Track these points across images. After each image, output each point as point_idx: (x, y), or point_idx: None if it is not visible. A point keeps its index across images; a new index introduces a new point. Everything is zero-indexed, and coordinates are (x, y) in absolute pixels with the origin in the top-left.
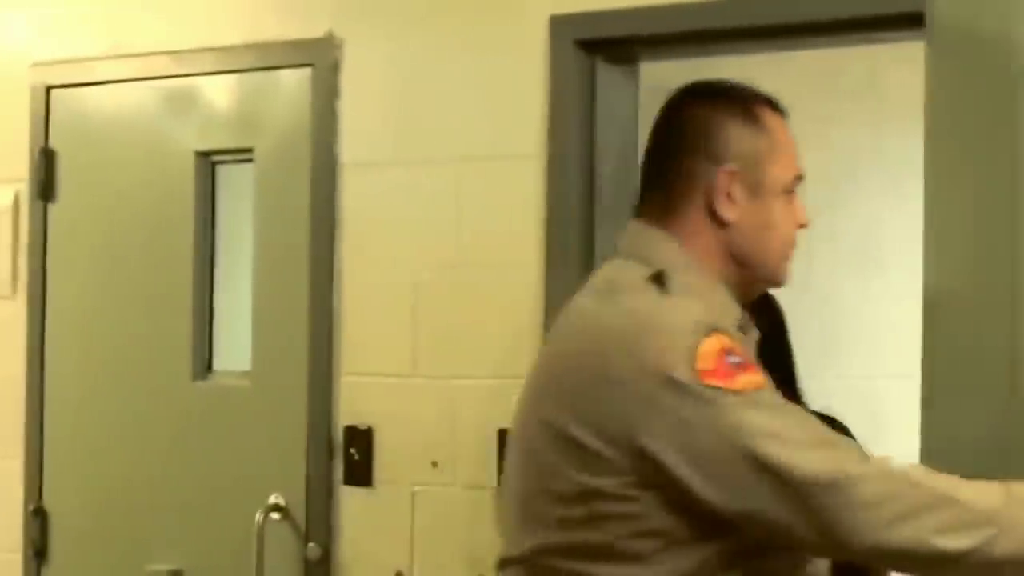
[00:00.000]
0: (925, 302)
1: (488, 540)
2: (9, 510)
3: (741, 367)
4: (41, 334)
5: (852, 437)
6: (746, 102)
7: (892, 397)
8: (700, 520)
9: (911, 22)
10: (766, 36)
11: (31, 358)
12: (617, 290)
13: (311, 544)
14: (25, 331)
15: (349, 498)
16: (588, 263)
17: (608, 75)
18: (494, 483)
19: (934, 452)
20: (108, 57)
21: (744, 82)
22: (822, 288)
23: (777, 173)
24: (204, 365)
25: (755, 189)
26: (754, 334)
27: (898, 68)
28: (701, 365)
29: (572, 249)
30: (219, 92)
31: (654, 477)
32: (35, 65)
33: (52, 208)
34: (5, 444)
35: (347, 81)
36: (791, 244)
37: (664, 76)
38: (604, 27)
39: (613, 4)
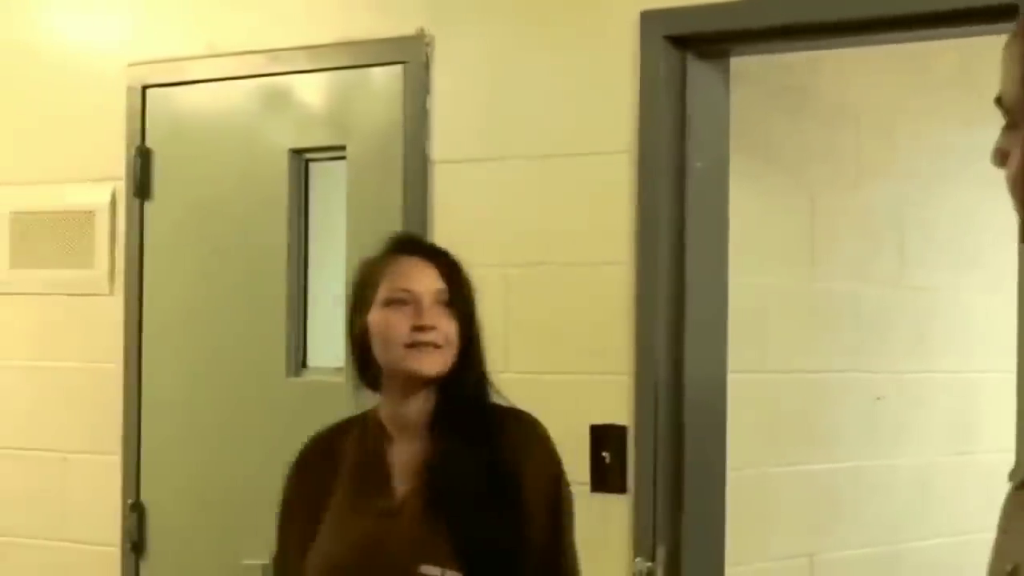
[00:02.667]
0: (1020, 295)
1: (580, 539)
2: (107, 505)
3: None
4: (139, 331)
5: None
6: None
7: (985, 392)
8: None
9: (1004, 14)
10: (858, 30)
11: (128, 355)
12: None
13: None
14: (123, 328)
15: None
16: (679, 259)
17: (699, 70)
18: (585, 479)
19: None
20: (203, 57)
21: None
22: (914, 282)
23: None
24: (299, 361)
25: None
26: None
27: (990, 60)
28: None
29: (662, 245)
30: (312, 90)
31: None
32: (131, 65)
33: (148, 206)
34: (103, 440)
35: (438, 78)
36: None
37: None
38: (694, 22)
39: None
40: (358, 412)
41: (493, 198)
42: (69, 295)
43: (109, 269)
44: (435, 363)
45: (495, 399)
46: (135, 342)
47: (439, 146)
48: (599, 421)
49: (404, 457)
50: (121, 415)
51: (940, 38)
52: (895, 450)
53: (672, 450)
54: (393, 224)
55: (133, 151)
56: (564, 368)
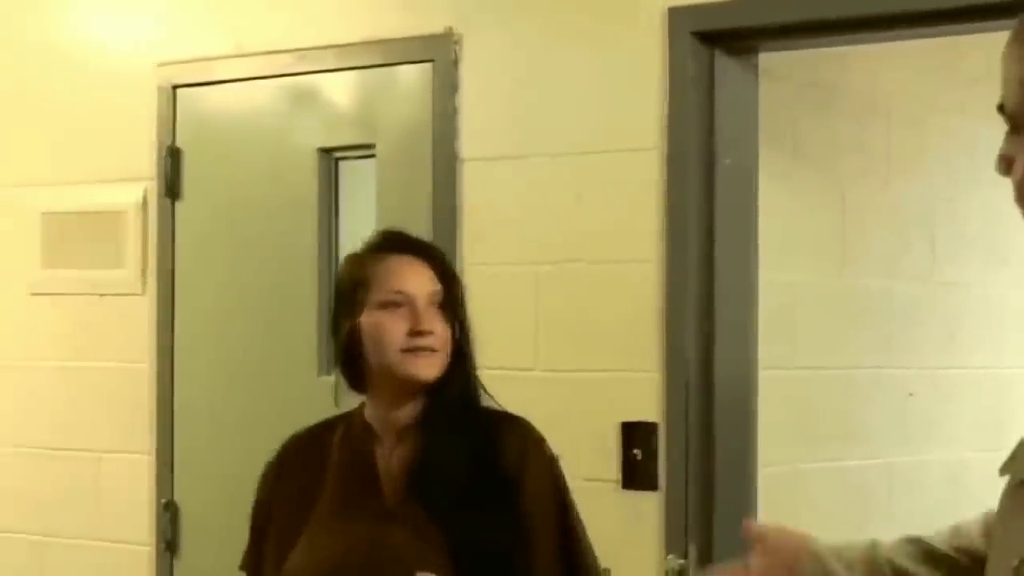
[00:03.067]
0: None
1: (610, 537)
2: (141, 504)
3: None
4: (170, 330)
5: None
6: None
7: (1016, 388)
8: None
9: None
10: (887, 25)
11: (161, 354)
12: None
13: None
14: (155, 327)
15: None
16: (708, 257)
17: (727, 66)
18: (615, 477)
19: None
20: (231, 56)
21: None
22: (945, 278)
23: None
24: (331, 360)
25: None
26: None
27: None
28: None
29: (692, 242)
30: (340, 89)
31: None
32: (161, 65)
33: (179, 206)
34: (136, 440)
35: (466, 76)
36: None
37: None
38: (722, 18)
39: None
40: (340, 412)
41: (522, 196)
42: (100, 295)
43: (140, 269)
44: (433, 367)
45: (485, 401)
46: (167, 341)
47: (468, 144)
48: (629, 419)
49: (393, 460)
50: (154, 415)
51: (969, 32)
52: (926, 446)
53: (702, 447)
54: (423, 222)
55: (163, 151)
56: (594, 366)
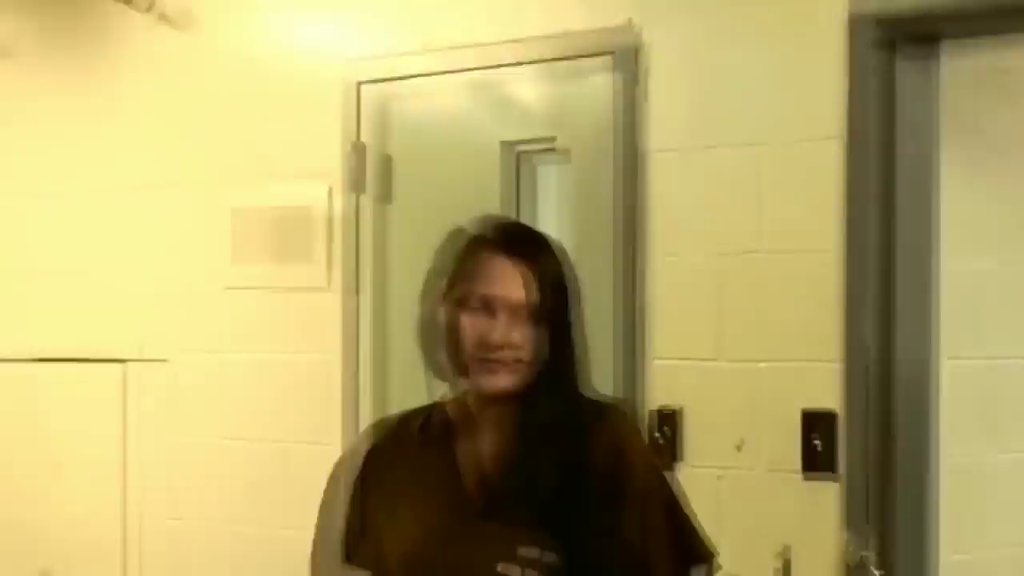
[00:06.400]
0: None
1: (791, 524)
2: None
3: None
4: (356, 324)
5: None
6: None
7: None
8: None
9: None
10: None
11: (346, 347)
12: None
13: None
14: (340, 321)
15: None
16: (888, 245)
17: (907, 56)
18: (798, 466)
19: None
20: (416, 52)
21: None
22: None
23: None
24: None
25: None
26: None
27: None
28: None
29: (872, 232)
30: (523, 83)
31: None
32: (346, 61)
33: (363, 200)
34: (323, 431)
35: (648, 67)
36: None
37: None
38: (904, 6)
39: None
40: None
41: (705, 187)
42: (288, 289)
43: (326, 263)
44: (502, 381)
45: (588, 393)
46: (353, 334)
47: (651, 135)
48: (810, 407)
49: (475, 458)
50: (340, 407)
51: None
52: None
53: (882, 435)
54: (607, 213)
55: (348, 147)
56: (775, 356)
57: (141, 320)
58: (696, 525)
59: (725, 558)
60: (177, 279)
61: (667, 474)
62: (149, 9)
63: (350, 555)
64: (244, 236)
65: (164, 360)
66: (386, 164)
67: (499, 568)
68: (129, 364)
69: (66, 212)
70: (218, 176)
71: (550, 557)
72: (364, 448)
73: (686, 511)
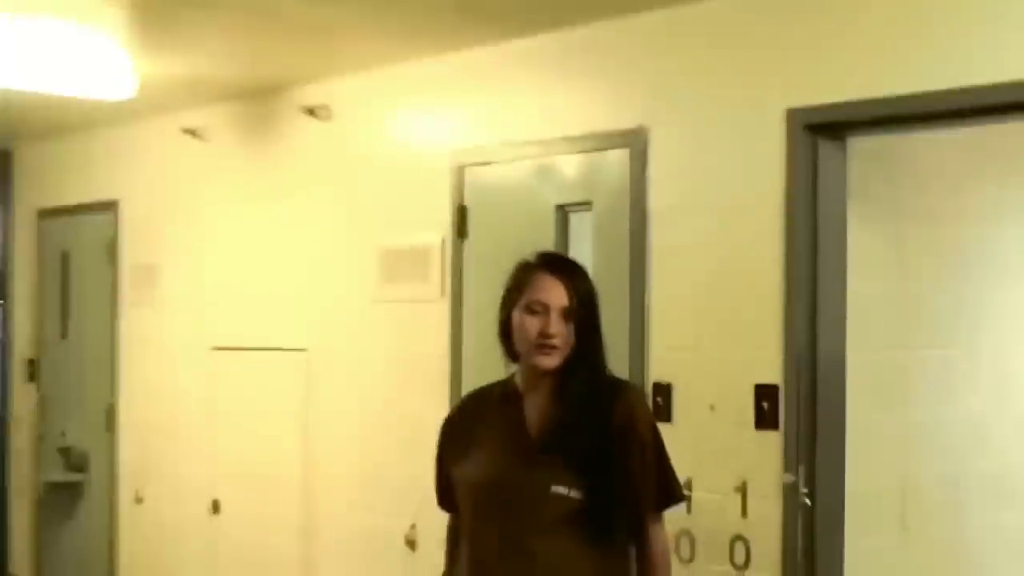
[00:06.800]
0: None
1: (747, 463)
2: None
3: None
4: (459, 326)
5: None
6: None
7: None
8: None
9: None
10: (943, 117)
11: (453, 343)
12: None
13: None
14: (448, 324)
15: None
16: (813, 273)
17: (826, 148)
18: (752, 423)
19: None
20: (498, 144)
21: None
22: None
23: None
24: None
25: None
26: None
27: None
28: None
29: (803, 263)
30: (569, 165)
31: None
32: (455, 151)
33: (465, 243)
34: (441, 404)
35: (653, 155)
36: None
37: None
38: (822, 115)
39: (831, 98)
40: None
41: (689, 233)
42: (413, 302)
43: (440, 285)
44: (552, 359)
45: (610, 374)
46: (457, 334)
47: (653, 199)
48: (760, 382)
49: (535, 413)
50: (448, 388)
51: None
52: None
53: (809, 402)
54: (624, 250)
55: (455, 208)
56: (737, 346)
57: (318, 322)
58: (674, 473)
59: (701, 486)
60: (341, 295)
61: (661, 425)
62: (327, 118)
63: (441, 501)
64: (385, 266)
65: (333, 349)
66: (479, 219)
67: (552, 488)
68: (310, 352)
69: (259, 254)
70: (369, 226)
71: (584, 482)
72: (448, 421)
73: (668, 458)
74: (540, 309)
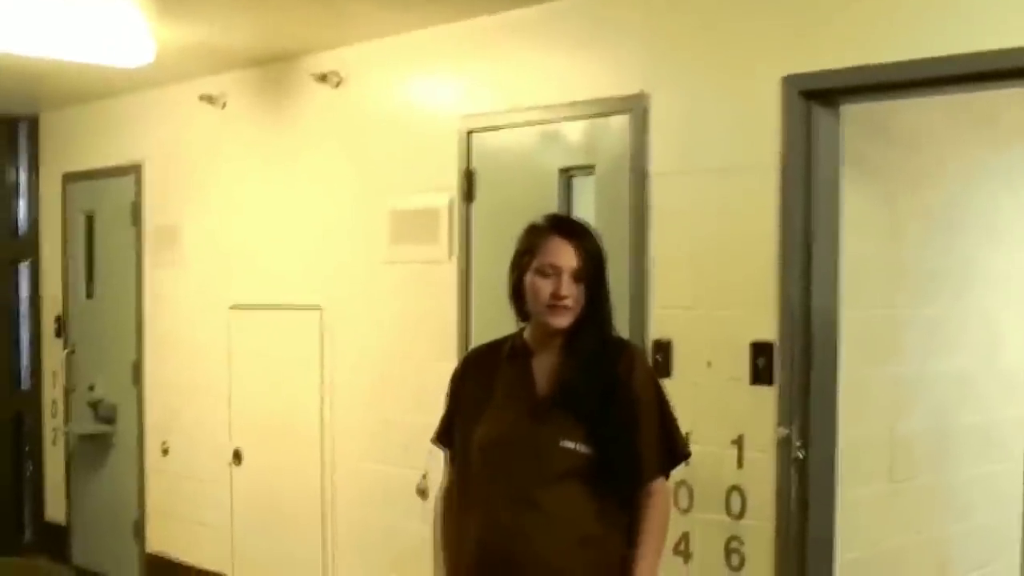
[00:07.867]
0: None
1: (743, 417)
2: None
3: None
4: (467, 286)
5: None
6: None
7: None
8: None
9: None
10: (935, 84)
11: (461, 302)
12: None
13: None
14: (456, 284)
15: None
16: (807, 234)
17: (820, 113)
18: (747, 378)
19: None
20: (505, 111)
21: None
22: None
23: None
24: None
25: None
26: None
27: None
28: None
29: (797, 225)
30: (572, 130)
31: None
32: (462, 116)
33: (472, 206)
34: (445, 354)
35: (653, 121)
36: None
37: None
38: (817, 81)
39: (825, 65)
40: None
41: (687, 195)
42: (423, 263)
43: (448, 247)
44: (565, 319)
45: (615, 334)
46: (464, 294)
47: (652, 162)
48: (756, 339)
49: (544, 370)
50: (456, 342)
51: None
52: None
53: (803, 359)
54: (624, 212)
55: (462, 171)
56: (734, 305)
57: (332, 281)
58: (678, 428)
59: (699, 440)
60: (354, 255)
61: (661, 381)
62: (338, 85)
63: (440, 436)
64: (396, 228)
65: (346, 307)
66: (485, 183)
67: (561, 442)
68: (324, 310)
69: (275, 216)
70: (381, 189)
71: (592, 438)
72: (464, 362)
73: (671, 412)
74: (552, 271)
